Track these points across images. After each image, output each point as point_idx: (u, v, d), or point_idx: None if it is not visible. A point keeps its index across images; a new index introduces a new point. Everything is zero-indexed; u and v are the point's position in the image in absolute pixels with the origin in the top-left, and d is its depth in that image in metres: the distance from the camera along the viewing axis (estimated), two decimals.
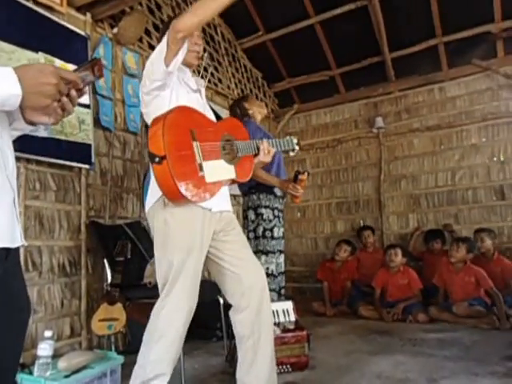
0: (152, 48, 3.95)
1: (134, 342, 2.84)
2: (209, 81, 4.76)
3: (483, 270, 3.94)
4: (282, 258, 3.04)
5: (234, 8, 4.85)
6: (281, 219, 3.02)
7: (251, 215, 2.95)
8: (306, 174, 2.77)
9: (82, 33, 3.17)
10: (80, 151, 3.03)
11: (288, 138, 2.23)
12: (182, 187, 1.64)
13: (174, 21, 1.70)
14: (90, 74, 1.13)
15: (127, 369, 1.92)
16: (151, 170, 1.71)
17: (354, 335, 3.54)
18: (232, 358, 2.52)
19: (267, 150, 2.06)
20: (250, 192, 2.96)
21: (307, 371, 2.60)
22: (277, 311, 2.78)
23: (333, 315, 4.46)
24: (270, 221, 2.92)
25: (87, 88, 1.20)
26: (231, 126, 2.04)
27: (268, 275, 2.87)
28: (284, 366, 2.58)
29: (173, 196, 1.69)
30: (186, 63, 2.02)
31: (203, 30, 4.80)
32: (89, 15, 3.26)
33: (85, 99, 3.09)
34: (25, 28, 2.72)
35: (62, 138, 2.85)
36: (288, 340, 2.61)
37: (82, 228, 3.08)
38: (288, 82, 5.83)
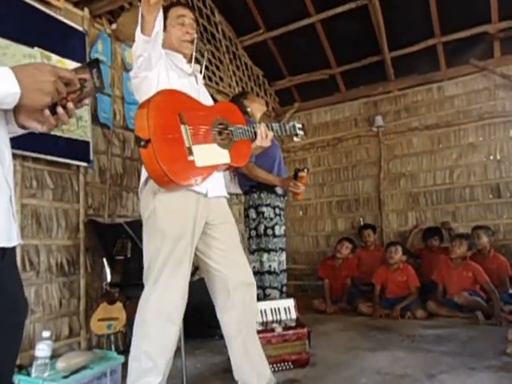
0: None
1: None
2: (209, 79, 4.74)
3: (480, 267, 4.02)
4: (283, 256, 3.03)
5: (235, 6, 4.93)
6: (282, 217, 3.00)
7: (252, 214, 2.95)
8: (305, 170, 2.79)
9: (80, 28, 3.13)
10: (78, 149, 2.99)
11: (291, 122, 2.18)
12: (169, 171, 1.60)
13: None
14: (89, 76, 1.12)
15: (127, 368, 1.88)
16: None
17: (353, 332, 3.57)
18: None
19: (265, 134, 2.01)
20: (251, 191, 2.95)
21: (308, 368, 2.61)
22: (278, 309, 2.79)
23: (333, 312, 4.49)
24: (272, 219, 2.92)
25: (87, 100, 1.18)
26: (225, 109, 1.99)
27: (270, 273, 2.87)
28: (285, 363, 2.58)
29: (160, 181, 1.65)
30: (179, 53, 2.00)
31: (204, 28, 4.78)
32: (86, 10, 3.23)
33: None
34: (20, 22, 2.67)
35: (59, 134, 2.81)
36: (289, 337, 2.60)
37: (81, 227, 3.04)
38: (289, 81, 5.81)
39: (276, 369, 2.51)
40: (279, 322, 2.71)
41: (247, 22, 5.18)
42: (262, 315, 2.71)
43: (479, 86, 5.14)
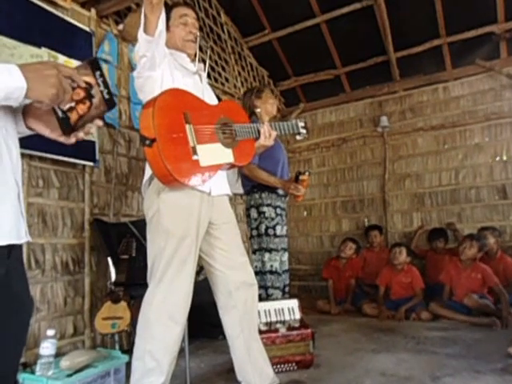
0: None
1: None
2: (215, 80, 4.74)
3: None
4: (286, 256, 3.03)
5: (241, 6, 4.93)
6: (283, 217, 3.01)
7: (254, 213, 2.97)
8: (306, 174, 2.79)
9: (87, 29, 3.14)
10: (84, 148, 3.01)
11: (294, 120, 2.17)
12: (174, 170, 1.60)
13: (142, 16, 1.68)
14: (94, 80, 1.14)
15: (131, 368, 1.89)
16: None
17: (358, 333, 3.55)
18: None
19: (268, 133, 2.01)
20: (253, 191, 2.95)
21: (312, 369, 2.60)
22: (282, 309, 2.78)
23: (337, 313, 4.47)
24: (273, 219, 2.92)
25: (100, 122, 1.22)
26: (230, 108, 1.99)
27: (272, 273, 2.87)
28: (289, 364, 2.57)
29: (165, 179, 1.66)
30: (182, 52, 2.00)
31: (210, 29, 4.78)
32: (93, 11, 3.24)
33: None
34: (27, 23, 2.70)
35: None
36: (293, 338, 2.59)
37: (86, 226, 3.05)
38: (294, 81, 5.80)
39: (280, 369, 2.51)
40: (283, 322, 2.71)
41: (253, 23, 5.18)
42: (265, 315, 2.71)
43: (485, 86, 5.12)
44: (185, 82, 1.87)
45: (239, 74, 5.27)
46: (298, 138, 2.21)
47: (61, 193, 2.93)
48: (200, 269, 2.42)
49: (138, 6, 3.48)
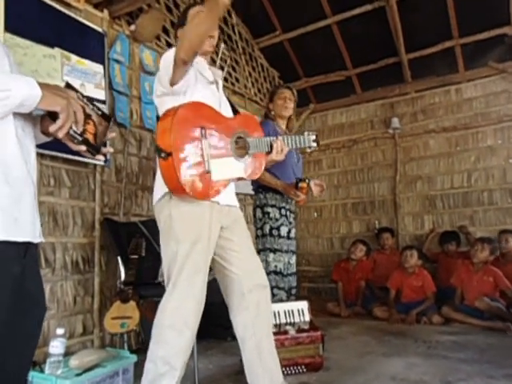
0: (169, 46, 3.93)
1: (147, 341, 2.80)
2: (225, 80, 4.74)
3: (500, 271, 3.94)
4: (293, 259, 3.03)
5: (252, 7, 4.93)
6: (289, 218, 3.00)
7: (259, 213, 2.98)
8: (306, 182, 2.81)
9: (99, 29, 3.16)
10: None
11: (306, 134, 2.19)
12: (187, 185, 1.62)
13: (177, 50, 1.65)
14: (99, 118, 1.28)
15: (140, 368, 1.89)
16: (157, 163, 1.68)
17: (368, 336, 3.53)
18: None
19: (280, 149, 2.02)
20: (258, 191, 2.97)
21: (321, 372, 2.59)
22: (292, 311, 2.77)
23: (347, 316, 4.46)
24: (277, 219, 2.93)
25: (113, 133, 1.39)
26: (245, 122, 1.98)
27: (276, 273, 2.87)
28: (298, 367, 2.56)
29: (177, 192, 1.68)
30: (202, 52, 1.97)
31: (221, 30, 4.79)
32: (106, 12, 3.26)
33: (101, 94, 3.08)
34: (40, 23, 2.72)
35: None
36: (302, 340, 2.58)
37: (96, 225, 3.07)
38: (305, 82, 5.78)
39: (289, 372, 2.50)
40: (292, 324, 2.69)
41: (264, 24, 5.19)
42: (275, 317, 2.69)
43: (498, 88, 5.07)
44: (204, 94, 1.85)
45: (250, 74, 5.26)
46: (307, 151, 2.27)
47: (72, 192, 2.95)
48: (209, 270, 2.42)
49: (150, 6, 3.50)
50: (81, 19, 3.02)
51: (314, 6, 4.85)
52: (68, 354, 2.22)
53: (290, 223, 3.02)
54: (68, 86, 1.24)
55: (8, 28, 2.49)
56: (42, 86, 1.08)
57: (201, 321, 1.82)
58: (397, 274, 4.41)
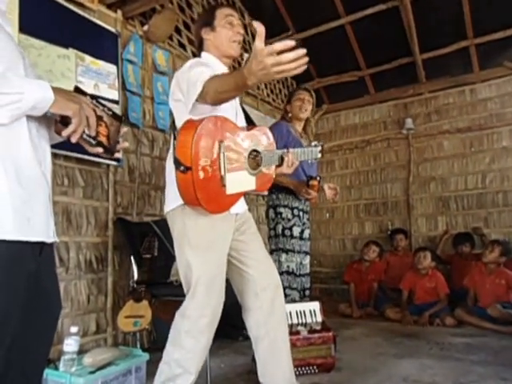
0: (182, 46, 3.95)
1: (159, 340, 2.83)
2: None
3: None
4: (307, 260, 3.02)
5: (265, 7, 4.92)
6: (303, 219, 3.00)
7: (271, 214, 2.99)
8: (317, 179, 2.81)
9: (113, 30, 3.19)
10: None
11: (313, 146, 2.25)
12: (203, 200, 1.63)
13: (206, 87, 1.58)
14: (110, 119, 1.28)
15: (152, 366, 1.90)
16: (173, 173, 1.68)
17: (380, 337, 3.51)
18: None
19: (291, 163, 2.04)
20: (271, 191, 2.97)
21: (333, 372, 2.58)
22: (303, 311, 2.77)
23: (359, 317, 4.44)
24: (289, 220, 2.93)
25: (125, 128, 1.40)
26: (259, 135, 1.97)
27: (289, 273, 2.87)
28: (310, 367, 2.55)
29: (192, 205, 1.69)
30: (226, 55, 1.97)
31: None
32: (119, 12, 3.28)
33: (114, 95, 3.11)
34: (55, 24, 2.75)
35: None
36: (314, 341, 2.57)
37: (110, 224, 3.09)
38: (317, 82, 5.75)
39: (301, 372, 2.49)
40: (304, 324, 2.69)
41: (277, 24, 5.15)
42: (287, 317, 2.68)
43: None
44: (224, 106, 1.80)
45: None
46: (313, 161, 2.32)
47: (85, 192, 2.97)
48: None
49: (163, 7, 3.51)
50: (94, 20, 3.05)
51: (327, 5, 4.83)
52: (82, 351, 2.24)
53: (304, 224, 3.02)
54: (77, 89, 1.25)
55: (22, 29, 2.52)
56: (55, 90, 1.09)
57: None
58: (409, 275, 4.38)
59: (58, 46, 2.75)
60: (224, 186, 1.70)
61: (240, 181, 1.81)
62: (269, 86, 5.37)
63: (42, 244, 1.15)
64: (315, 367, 2.55)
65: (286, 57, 1.17)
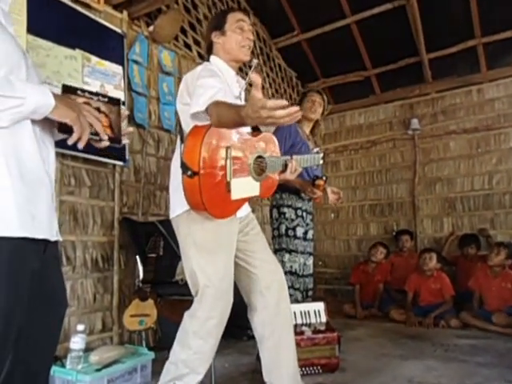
0: (187, 47, 3.97)
1: (164, 339, 2.85)
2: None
3: None
4: (310, 261, 3.03)
5: (270, 7, 4.92)
6: (306, 220, 3.00)
7: (275, 213, 3.00)
8: (322, 179, 2.82)
9: (119, 30, 3.20)
10: (114, 148, 3.04)
11: (316, 152, 2.33)
12: (208, 204, 1.64)
13: (210, 110, 1.60)
14: (108, 106, 1.28)
15: (158, 365, 1.92)
16: (178, 178, 1.69)
17: (384, 338, 3.50)
18: None
19: (294, 169, 2.06)
20: (274, 191, 2.96)
21: (337, 373, 2.58)
22: (308, 312, 2.78)
23: (363, 318, 4.43)
24: (293, 220, 2.94)
25: (126, 112, 1.39)
26: (264, 141, 1.99)
27: (292, 273, 2.88)
28: (314, 367, 2.56)
29: (197, 210, 1.71)
30: (235, 59, 1.98)
31: None
32: (125, 13, 3.30)
33: (120, 95, 3.12)
34: (62, 25, 2.77)
35: None
36: (319, 341, 2.58)
37: (115, 224, 3.11)
38: (322, 82, 5.75)
39: (305, 372, 2.49)
40: (309, 325, 2.69)
41: (282, 24, 5.17)
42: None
43: None
44: None
45: (267, 75, 5.27)
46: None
47: (92, 191, 3.00)
48: None
49: (168, 7, 3.53)
50: (101, 20, 3.07)
51: (332, 5, 4.80)
52: (88, 349, 2.27)
53: (307, 224, 3.02)
54: (65, 87, 1.25)
55: (30, 30, 2.54)
56: (57, 96, 1.11)
57: None
58: (414, 276, 4.37)
59: (65, 46, 2.77)
60: (229, 191, 1.71)
61: (245, 186, 1.83)
62: (274, 86, 5.37)
63: (45, 242, 1.17)
64: (319, 367, 2.56)
65: (279, 113, 1.25)
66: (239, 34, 1.94)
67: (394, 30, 4.92)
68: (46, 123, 1.22)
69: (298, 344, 2.46)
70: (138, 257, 3.04)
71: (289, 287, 2.81)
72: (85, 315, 2.86)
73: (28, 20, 2.53)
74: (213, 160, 1.66)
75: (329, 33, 5.09)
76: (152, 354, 2.43)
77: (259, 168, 1.89)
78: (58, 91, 1.22)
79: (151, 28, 3.48)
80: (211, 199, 1.65)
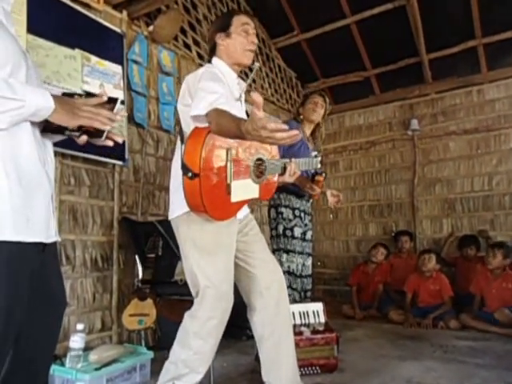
0: (187, 47, 3.97)
1: (163, 338, 2.85)
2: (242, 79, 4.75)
3: None
4: (309, 261, 3.04)
5: (269, 7, 4.92)
6: (304, 220, 3.01)
7: (273, 213, 3.01)
8: (322, 175, 2.82)
9: (118, 30, 3.21)
10: (114, 147, 3.05)
11: (314, 156, 2.32)
12: (208, 206, 1.65)
13: (210, 117, 1.60)
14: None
15: (157, 364, 1.92)
16: (179, 179, 1.69)
17: (383, 339, 3.50)
18: None
19: (293, 172, 2.07)
20: None
21: (336, 373, 2.58)
22: (307, 312, 2.78)
23: (362, 318, 4.43)
24: (290, 220, 2.95)
25: (122, 113, 1.40)
26: (264, 144, 2.00)
27: (289, 273, 2.88)
28: (313, 368, 2.56)
29: (197, 211, 1.71)
30: (238, 62, 1.97)
31: None
32: (125, 13, 3.30)
33: (119, 95, 3.12)
34: (62, 25, 2.78)
35: None
36: (317, 341, 2.58)
37: (115, 224, 3.11)
38: (322, 83, 5.75)
39: (303, 372, 2.48)
40: (307, 325, 2.70)
41: (281, 24, 5.16)
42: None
43: None
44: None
45: (267, 75, 5.27)
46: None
47: (91, 191, 3.00)
48: None
49: (168, 7, 3.53)
50: (100, 20, 3.07)
51: (332, 5, 4.79)
52: (87, 348, 2.28)
53: (306, 225, 3.03)
54: (64, 94, 1.25)
55: (30, 30, 2.55)
56: (57, 100, 1.12)
57: None
58: (413, 277, 4.36)
59: (65, 46, 2.77)
60: (229, 193, 1.72)
61: (244, 189, 1.83)
62: (273, 86, 5.37)
63: (43, 243, 1.17)
64: (318, 368, 2.56)
65: (279, 135, 1.26)
66: (244, 38, 1.94)
67: (394, 30, 4.91)
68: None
69: (296, 344, 2.46)
70: (137, 256, 3.05)
71: (287, 287, 2.82)
72: (84, 314, 2.87)
73: (28, 20, 2.54)
74: (213, 162, 1.67)
75: (328, 33, 5.08)
76: (151, 354, 2.44)
77: (259, 170, 1.90)
78: (58, 91, 1.22)
79: (151, 28, 3.49)
80: (211, 201, 1.66)
